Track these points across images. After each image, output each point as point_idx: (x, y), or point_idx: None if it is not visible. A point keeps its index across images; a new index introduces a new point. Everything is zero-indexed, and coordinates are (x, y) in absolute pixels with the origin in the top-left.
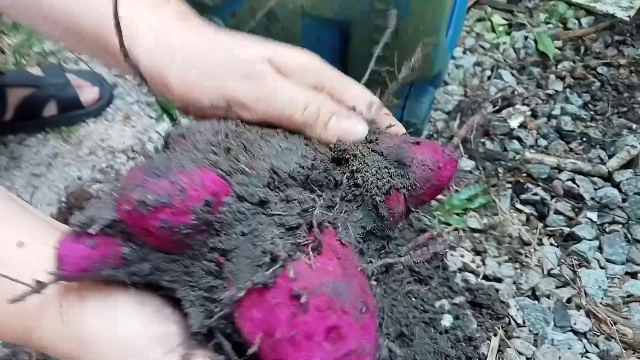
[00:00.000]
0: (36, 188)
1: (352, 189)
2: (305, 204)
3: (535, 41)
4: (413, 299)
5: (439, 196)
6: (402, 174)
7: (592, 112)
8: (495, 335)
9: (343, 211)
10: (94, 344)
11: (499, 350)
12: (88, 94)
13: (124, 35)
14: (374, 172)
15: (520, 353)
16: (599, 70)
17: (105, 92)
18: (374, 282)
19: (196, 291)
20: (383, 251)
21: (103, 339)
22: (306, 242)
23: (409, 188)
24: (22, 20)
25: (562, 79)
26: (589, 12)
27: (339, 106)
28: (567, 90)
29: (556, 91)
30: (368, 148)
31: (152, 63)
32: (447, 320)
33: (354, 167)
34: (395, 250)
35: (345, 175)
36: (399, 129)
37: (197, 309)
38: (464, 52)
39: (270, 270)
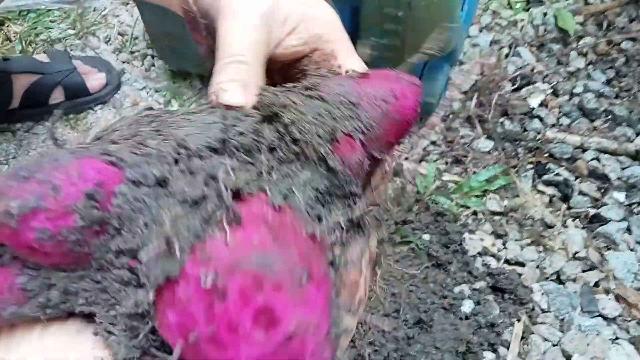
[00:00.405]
0: None
1: (290, 146)
2: (213, 170)
3: (555, 17)
4: (431, 285)
5: (456, 178)
6: (350, 116)
7: (616, 89)
8: (518, 321)
9: (283, 175)
10: None
11: (522, 337)
12: (95, 80)
13: None
14: (313, 120)
15: (545, 339)
16: (623, 45)
17: (112, 79)
18: (337, 248)
19: (117, 309)
20: (353, 202)
21: None
22: (219, 216)
23: (364, 130)
24: None
25: (584, 55)
26: None
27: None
28: (590, 67)
29: (578, 68)
30: (303, 95)
31: None
32: (467, 306)
33: (287, 120)
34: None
35: (278, 132)
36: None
37: (119, 334)
38: (480, 31)
39: (173, 260)
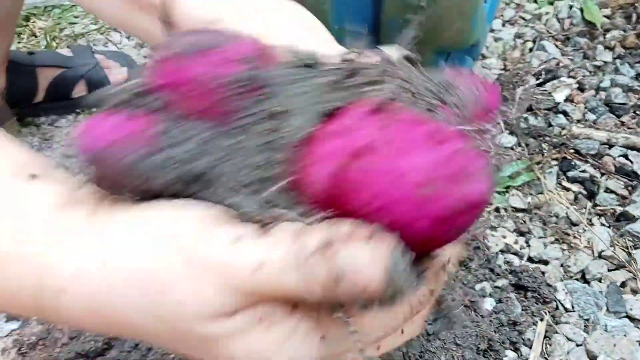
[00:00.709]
0: (67, 169)
1: (405, 93)
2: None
3: (581, 10)
4: (452, 282)
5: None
6: (450, 93)
7: None
8: (541, 320)
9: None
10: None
11: (545, 336)
12: (117, 74)
13: None
14: (422, 83)
15: (569, 339)
16: None
17: (134, 73)
18: None
19: (246, 171)
20: None
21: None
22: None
23: (458, 105)
24: None
25: (612, 49)
26: None
27: None
28: (617, 60)
29: (605, 62)
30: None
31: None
32: (489, 304)
33: (402, 75)
34: None
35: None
36: None
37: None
38: (503, 25)
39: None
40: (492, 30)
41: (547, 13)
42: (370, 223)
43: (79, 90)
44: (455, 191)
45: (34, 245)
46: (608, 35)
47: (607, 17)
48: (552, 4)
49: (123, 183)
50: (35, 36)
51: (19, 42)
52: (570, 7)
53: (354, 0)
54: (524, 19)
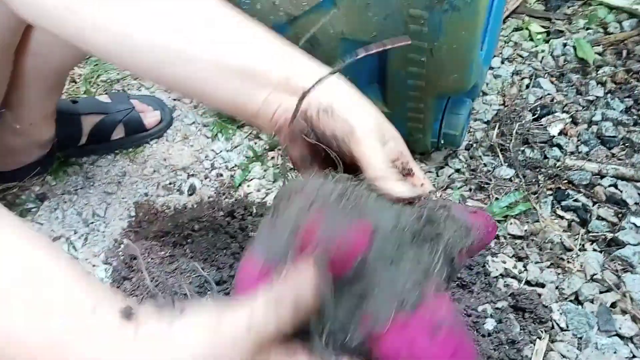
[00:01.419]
0: (109, 204)
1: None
2: (425, 264)
3: (575, 47)
4: (456, 304)
5: (479, 204)
6: (466, 235)
7: (635, 117)
8: (539, 338)
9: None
10: None
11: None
12: (151, 117)
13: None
14: (453, 234)
15: (563, 356)
16: None
17: (165, 115)
18: None
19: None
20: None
21: None
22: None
23: (470, 245)
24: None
25: (603, 84)
26: (632, 14)
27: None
28: (609, 95)
29: (597, 97)
30: (447, 215)
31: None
32: (489, 324)
33: (447, 235)
34: None
35: (434, 236)
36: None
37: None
38: (502, 62)
39: (411, 302)
40: (491, 68)
41: (542, 51)
42: None
43: (118, 133)
44: None
45: None
46: (600, 71)
47: (599, 53)
48: (547, 42)
49: None
50: (75, 82)
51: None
52: (564, 44)
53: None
54: (521, 56)
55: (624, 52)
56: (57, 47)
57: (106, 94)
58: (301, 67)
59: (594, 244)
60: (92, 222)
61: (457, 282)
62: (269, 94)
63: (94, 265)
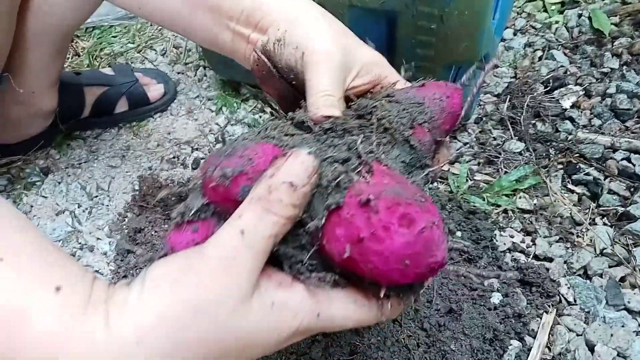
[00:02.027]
0: (113, 178)
1: (383, 133)
2: (349, 143)
3: (590, 18)
4: (462, 278)
5: (488, 178)
6: (420, 111)
7: None
8: (547, 312)
9: (381, 152)
10: None
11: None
12: (154, 90)
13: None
14: (397, 114)
15: (570, 330)
16: None
17: (169, 89)
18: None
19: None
20: (425, 178)
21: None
22: (359, 168)
23: (429, 120)
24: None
25: (619, 56)
26: None
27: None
28: (624, 67)
29: (612, 69)
30: (385, 100)
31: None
32: (496, 298)
33: (379, 115)
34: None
35: (374, 123)
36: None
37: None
38: (515, 34)
39: (338, 193)
40: (503, 40)
41: (556, 22)
42: (374, 280)
43: (121, 106)
44: (423, 262)
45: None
46: (616, 43)
47: (615, 24)
48: (562, 13)
49: None
50: (79, 55)
51: (65, 58)
52: (580, 15)
53: (371, 23)
54: (534, 28)
55: None
56: (59, 3)
57: (109, 66)
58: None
59: (605, 218)
60: (96, 196)
61: (463, 256)
62: (234, 30)
63: (98, 239)
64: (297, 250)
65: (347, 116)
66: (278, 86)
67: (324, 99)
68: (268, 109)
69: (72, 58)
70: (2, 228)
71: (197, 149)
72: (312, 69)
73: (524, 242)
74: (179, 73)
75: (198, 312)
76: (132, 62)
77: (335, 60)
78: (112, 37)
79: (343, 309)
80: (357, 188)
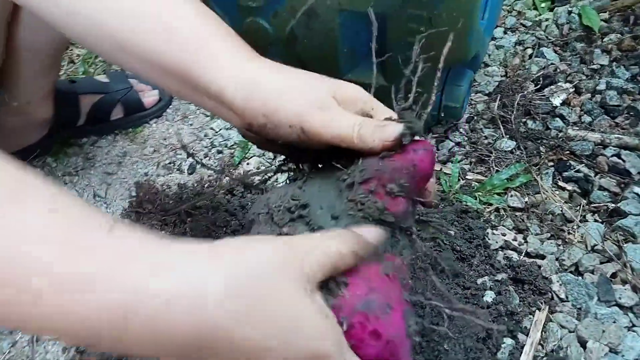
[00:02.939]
0: (109, 185)
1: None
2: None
3: (580, 15)
4: (456, 278)
5: (479, 177)
6: (397, 180)
7: None
8: (539, 310)
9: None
10: None
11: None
12: (149, 96)
13: (208, 69)
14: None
15: (562, 326)
16: None
17: (164, 94)
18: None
19: None
20: (410, 233)
21: None
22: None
23: (401, 190)
24: (99, 50)
25: (608, 52)
26: None
27: (378, 122)
28: (614, 63)
29: (601, 65)
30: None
31: (237, 92)
32: (489, 296)
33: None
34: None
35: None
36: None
37: None
38: (505, 32)
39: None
40: (494, 38)
41: (546, 19)
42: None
43: (117, 113)
44: None
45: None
46: (605, 39)
47: (605, 20)
48: (552, 10)
49: None
50: (74, 63)
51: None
52: (569, 12)
53: (360, 26)
54: (524, 25)
55: (632, 19)
56: None
57: (104, 73)
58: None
59: (595, 214)
60: (94, 203)
61: (456, 255)
62: (210, 102)
63: None
64: None
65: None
66: (278, 148)
67: (368, 130)
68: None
69: (67, 65)
70: (44, 185)
71: (193, 154)
72: (327, 132)
73: (516, 240)
74: None
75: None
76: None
77: (337, 110)
78: None
79: None
80: (336, 304)
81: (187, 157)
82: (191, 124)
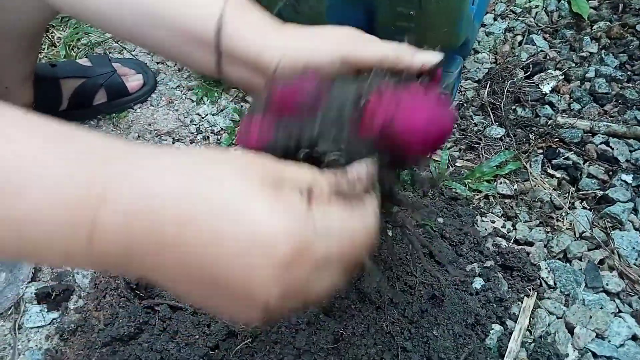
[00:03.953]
0: None
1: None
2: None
3: (569, 2)
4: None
5: (469, 164)
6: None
7: (629, 73)
8: (527, 296)
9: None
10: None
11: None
12: (133, 81)
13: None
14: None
15: (550, 313)
16: (638, 27)
17: (149, 79)
18: None
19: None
20: None
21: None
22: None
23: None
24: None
25: (597, 40)
26: None
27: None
28: (603, 51)
29: (590, 53)
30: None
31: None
32: (477, 283)
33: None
34: None
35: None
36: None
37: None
38: (495, 19)
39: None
40: (483, 25)
41: (536, 6)
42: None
43: (100, 98)
44: (438, 129)
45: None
46: (595, 27)
47: (594, 8)
48: None
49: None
50: (55, 46)
51: (40, 52)
52: None
53: (348, 10)
54: (514, 12)
55: (620, 6)
56: (23, 2)
57: (87, 57)
58: None
59: (584, 202)
60: None
61: (445, 242)
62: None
63: None
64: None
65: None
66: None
67: (407, 51)
68: (249, 98)
69: (47, 49)
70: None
71: (178, 140)
72: (368, 54)
73: (505, 227)
74: (158, 63)
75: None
76: (110, 52)
77: (372, 37)
78: (89, 26)
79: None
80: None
81: (173, 143)
82: (177, 110)
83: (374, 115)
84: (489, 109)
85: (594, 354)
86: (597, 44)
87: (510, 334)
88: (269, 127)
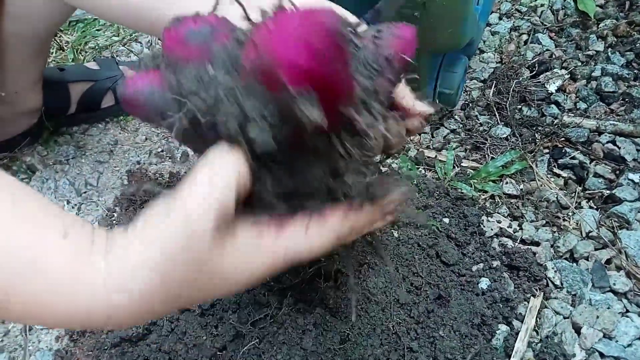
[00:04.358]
0: (101, 173)
1: None
2: None
3: (575, 0)
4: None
5: (474, 164)
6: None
7: (635, 71)
8: (534, 296)
9: None
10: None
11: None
12: None
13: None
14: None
15: (557, 313)
16: None
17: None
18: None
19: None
20: None
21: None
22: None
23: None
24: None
25: (604, 38)
26: None
27: None
28: (609, 49)
29: (597, 52)
30: None
31: None
32: (484, 283)
33: None
34: None
35: None
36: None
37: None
38: (500, 18)
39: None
40: (489, 24)
41: (542, 5)
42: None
43: (108, 101)
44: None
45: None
46: (601, 25)
47: (600, 6)
48: None
49: (150, 114)
50: (63, 50)
51: (48, 57)
52: None
53: (353, 12)
54: (519, 11)
55: (627, 4)
56: (35, 8)
57: (94, 60)
58: None
59: (590, 201)
60: (85, 192)
61: (451, 242)
62: None
63: None
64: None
65: None
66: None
67: None
68: None
69: (56, 53)
70: (5, 185)
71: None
72: None
73: (511, 227)
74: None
75: (179, 253)
76: (117, 56)
77: None
78: (97, 30)
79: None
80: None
81: (180, 145)
82: None
83: (249, 55)
84: (494, 108)
85: (601, 354)
86: (603, 42)
87: (517, 334)
88: (155, 79)
